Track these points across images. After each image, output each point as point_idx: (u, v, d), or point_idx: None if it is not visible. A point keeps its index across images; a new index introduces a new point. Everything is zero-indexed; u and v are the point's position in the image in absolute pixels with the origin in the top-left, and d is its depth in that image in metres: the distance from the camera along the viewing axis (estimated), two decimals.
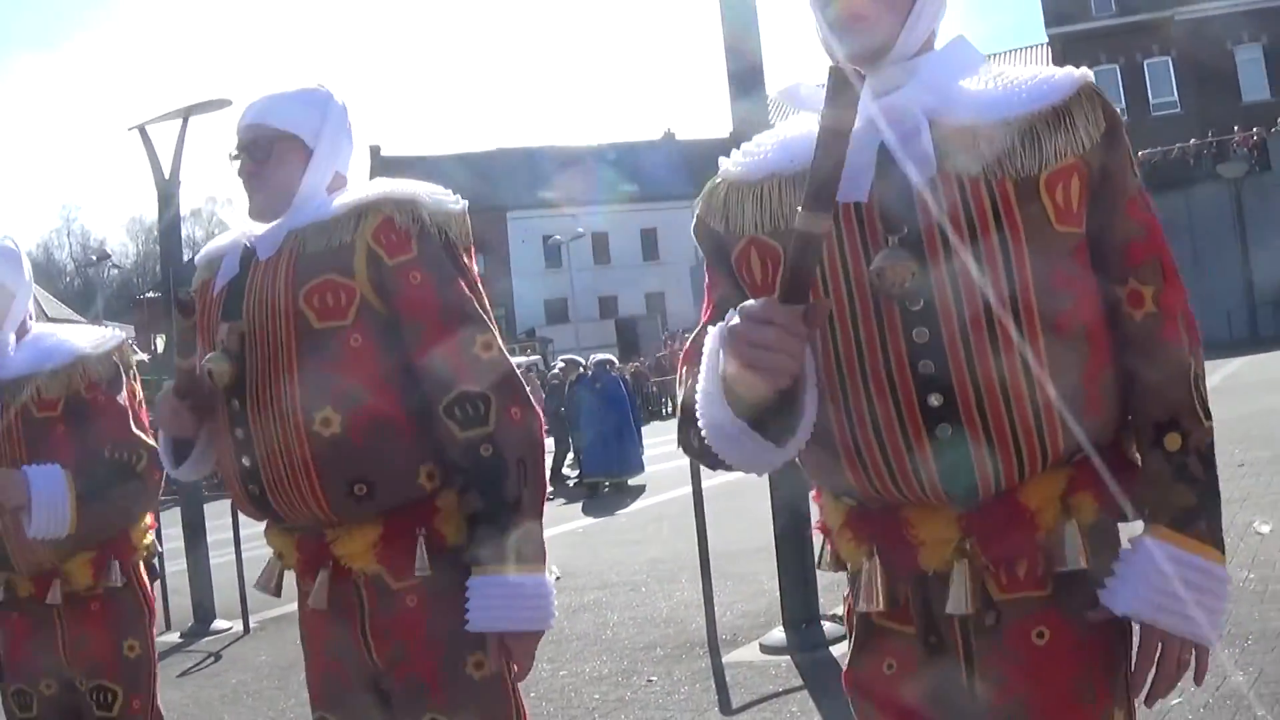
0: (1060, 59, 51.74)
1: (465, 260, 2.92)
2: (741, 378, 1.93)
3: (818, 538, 2.42)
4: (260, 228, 3.00)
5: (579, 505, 18.35)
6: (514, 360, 2.96)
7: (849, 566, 2.31)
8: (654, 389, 40.70)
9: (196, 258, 3.23)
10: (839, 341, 2.10)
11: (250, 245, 3.00)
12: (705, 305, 2.36)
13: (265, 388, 2.82)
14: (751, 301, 1.92)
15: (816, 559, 2.43)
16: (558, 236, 62.53)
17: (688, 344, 2.29)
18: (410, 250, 2.82)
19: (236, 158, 2.99)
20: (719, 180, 2.34)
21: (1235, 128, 39.68)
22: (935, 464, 2.06)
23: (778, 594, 8.20)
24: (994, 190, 2.04)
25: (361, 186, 2.98)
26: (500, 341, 2.88)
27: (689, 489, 7.89)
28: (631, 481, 19.22)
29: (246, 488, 2.88)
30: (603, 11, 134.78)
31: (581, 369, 20.66)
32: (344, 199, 2.92)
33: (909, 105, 2.11)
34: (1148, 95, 51.29)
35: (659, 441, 21.08)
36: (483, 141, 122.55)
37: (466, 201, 2.97)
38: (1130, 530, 2.18)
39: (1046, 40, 54.48)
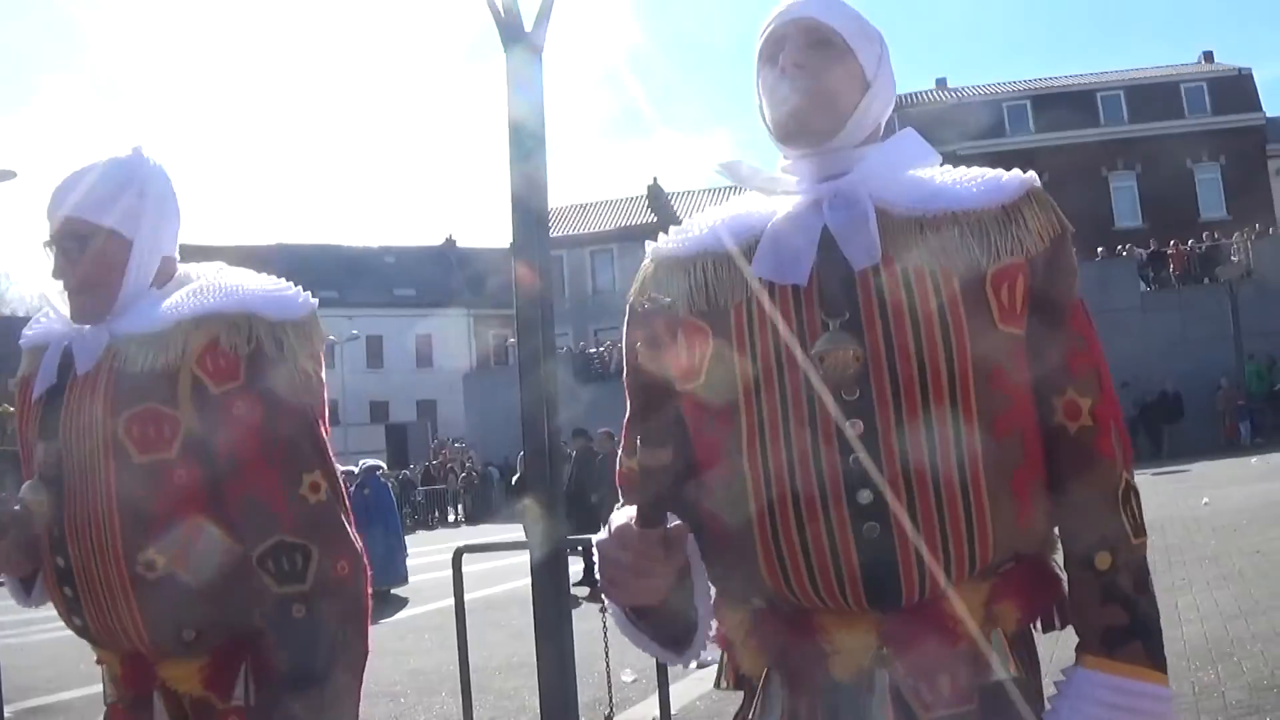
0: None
1: (306, 375, 2.61)
2: (611, 594, 1.95)
3: (715, 651, 2.23)
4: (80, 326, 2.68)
5: None
6: None
7: (750, 679, 2.15)
8: (421, 498, 40.24)
9: (23, 338, 2.84)
10: (765, 428, 1.99)
11: (69, 350, 2.67)
12: (629, 401, 2.18)
13: (85, 520, 2.54)
14: (617, 518, 1.92)
15: (716, 678, 2.23)
16: (332, 337, 61.47)
17: (620, 451, 2.25)
18: (238, 376, 2.53)
19: (49, 247, 2.66)
20: (649, 260, 2.25)
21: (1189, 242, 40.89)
22: (858, 564, 1.94)
23: (538, 711, 8.11)
24: (938, 282, 1.99)
25: (194, 283, 2.67)
26: (335, 477, 2.62)
27: (452, 600, 7.76)
28: (395, 591, 18.90)
29: (71, 619, 2.64)
30: (388, 114, 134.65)
31: (349, 474, 20.35)
32: (172, 303, 2.60)
33: (856, 190, 2.07)
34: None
35: (423, 551, 20.83)
36: (262, 236, 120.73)
37: (316, 300, 2.74)
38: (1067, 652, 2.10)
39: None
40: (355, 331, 60.64)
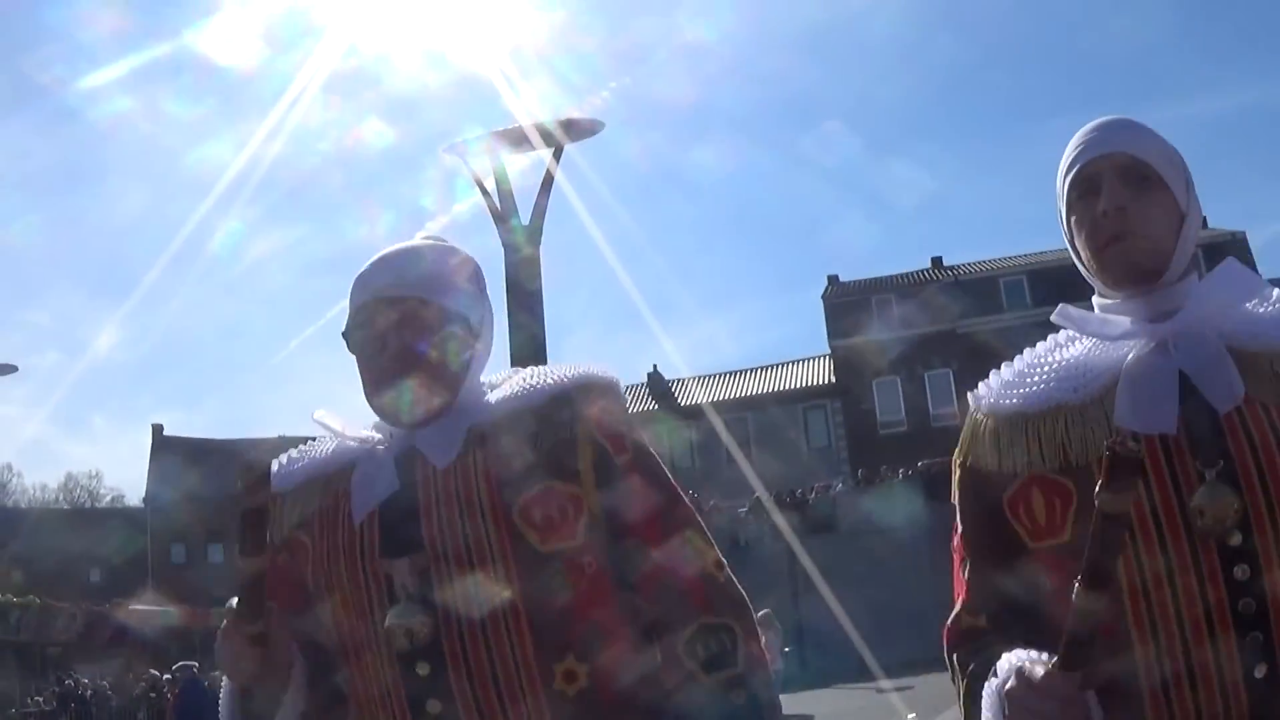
0: (842, 366, 54.29)
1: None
2: None
3: None
4: (390, 430, 2.31)
5: None
6: None
7: None
8: None
9: (281, 477, 2.37)
10: (1148, 584, 1.89)
11: (402, 452, 2.27)
12: (954, 561, 2.17)
13: (492, 643, 2.12)
14: (1029, 665, 1.83)
15: None
16: None
17: (950, 619, 2.14)
18: (627, 448, 2.25)
19: (361, 331, 2.29)
20: (980, 415, 2.16)
21: None
22: (1248, 712, 1.84)
23: None
24: None
25: (525, 372, 2.36)
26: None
27: None
28: None
29: None
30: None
31: None
32: (523, 383, 2.30)
33: (1200, 329, 1.99)
34: (928, 405, 53.12)
35: None
36: (261, 428, 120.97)
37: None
38: None
39: (829, 351, 56.61)
40: None
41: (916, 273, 59.44)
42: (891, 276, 59.12)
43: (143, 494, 70.03)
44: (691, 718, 2.15)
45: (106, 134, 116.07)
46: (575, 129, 7.60)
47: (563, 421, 2.22)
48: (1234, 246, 54.40)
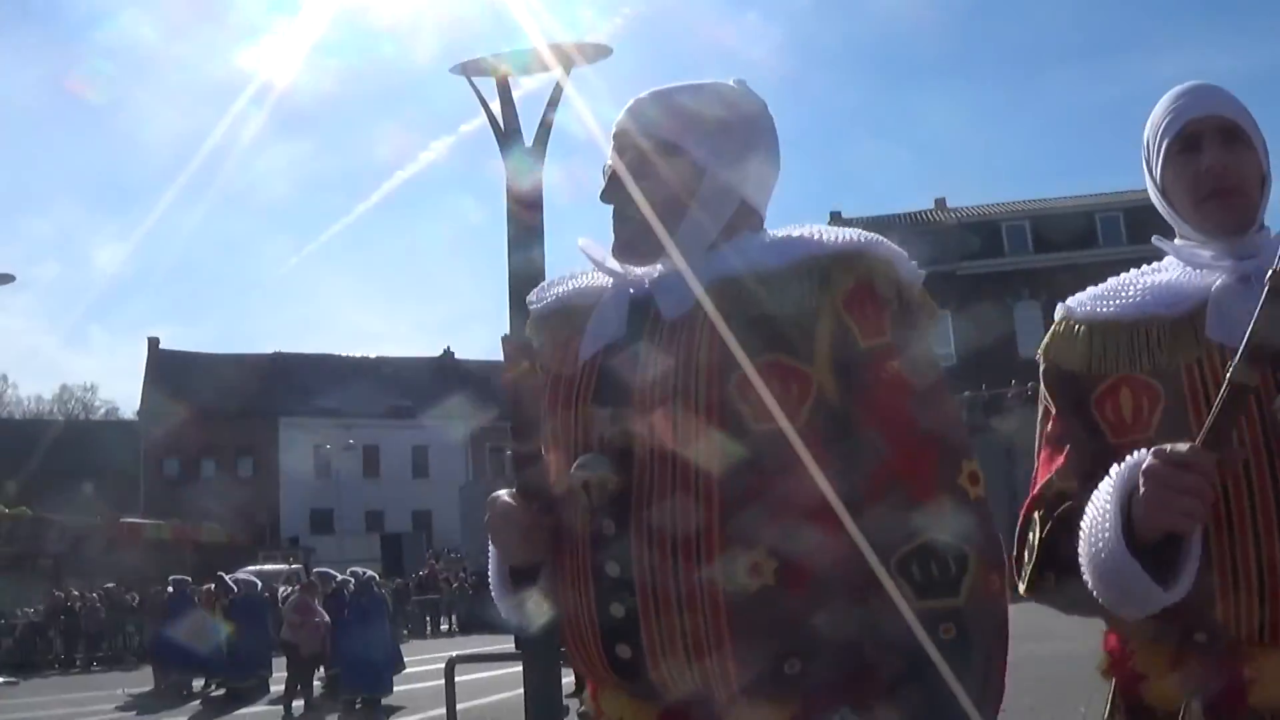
0: None
1: (936, 355, 2.17)
2: (1150, 517, 1.96)
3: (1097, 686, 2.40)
4: (638, 270, 2.22)
5: (334, 719, 17.84)
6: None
7: (1155, 709, 2.23)
8: (415, 608, 39.92)
9: (534, 303, 2.38)
10: (1227, 478, 2.09)
11: (639, 293, 2.20)
12: (1043, 452, 2.38)
13: (663, 510, 1.99)
14: (1171, 446, 1.96)
15: (1106, 712, 2.37)
16: (328, 446, 61.65)
17: (1033, 492, 2.32)
18: (885, 332, 2.04)
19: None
20: (1073, 322, 2.40)
21: (1012, 381, 41.06)
22: None
23: None
24: None
25: (802, 227, 2.18)
26: (978, 474, 2.03)
27: (444, 710, 7.69)
28: (386, 700, 18.71)
29: (613, 648, 2.05)
30: (388, 224, 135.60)
31: (340, 582, 20.22)
32: (786, 239, 2.14)
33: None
34: None
35: (417, 660, 20.64)
36: (261, 344, 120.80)
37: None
38: None
39: None
40: (352, 441, 60.65)
41: (920, 213, 59.40)
42: (894, 215, 58.96)
43: (137, 407, 70.22)
44: (880, 647, 1.94)
45: (113, 48, 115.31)
46: (584, 52, 7.50)
47: (809, 290, 2.04)
48: None
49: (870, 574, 1.93)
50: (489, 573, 2.34)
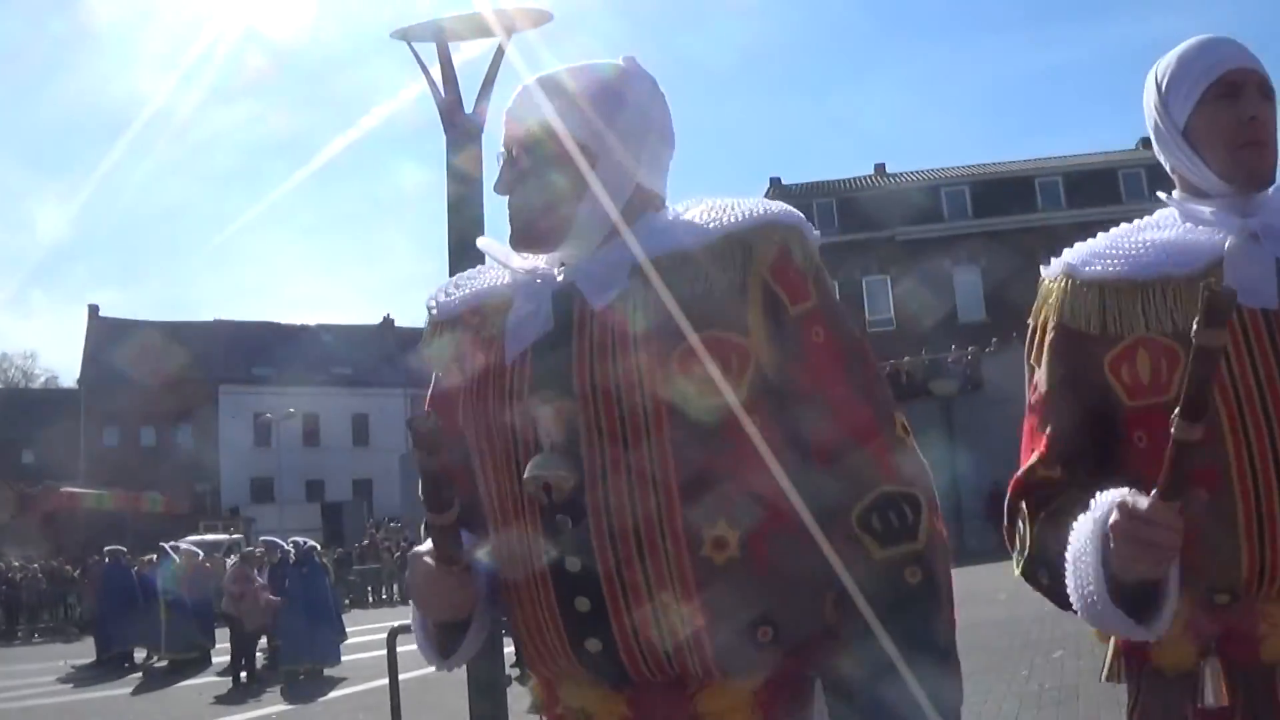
0: None
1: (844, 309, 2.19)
2: (1123, 571, 1.99)
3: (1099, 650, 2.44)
4: (551, 260, 2.21)
5: (277, 690, 17.65)
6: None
7: (1165, 672, 2.26)
8: (356, 577, 39.84)
9: (434, 307, 2.32)
10: (1251, 436, 2.14)
11: (560, 286, 2.16)
12: (1028, 421, 2.37)
13: (620, 498, 1.99)
14: (1130, 498, 1.97)
15: (1104, 670, 2.40)
16: (268, 415, 61.28)
17: (1019, 475, 2.32)
18: (809, 296, 2.06)
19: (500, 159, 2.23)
20: (1079, 283, 2.34)
21: (952, 346, 41.33)
22: None
23: None
24: None
25: (706, 203, 2.17)
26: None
27: (386, 680, 7.68)
28: (329, 670, 18.67)
29: (580, 643, 2.04)
30: (329, 191, 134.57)
31: (283, 552, 20.14)
32: (698, 217, 2.13)
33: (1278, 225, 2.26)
34: (865, 311, 53.23)
35: (358, 630, 20.59)
36: (199, 312, 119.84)
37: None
38: None
39: None
40: (292, 409, 60.24)
41: (859, 178, 59.57)
42: (834, 181, 59.19)
43: (77, 376, 69.52)
44: (858, 598, 1.97)
45: (54, 7, 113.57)
46: (527, 17, 7.44)
47: (734, 264, 2.05)
48: None
49: (833, 532, 1.99)
50: (410, 619, 2.34)
